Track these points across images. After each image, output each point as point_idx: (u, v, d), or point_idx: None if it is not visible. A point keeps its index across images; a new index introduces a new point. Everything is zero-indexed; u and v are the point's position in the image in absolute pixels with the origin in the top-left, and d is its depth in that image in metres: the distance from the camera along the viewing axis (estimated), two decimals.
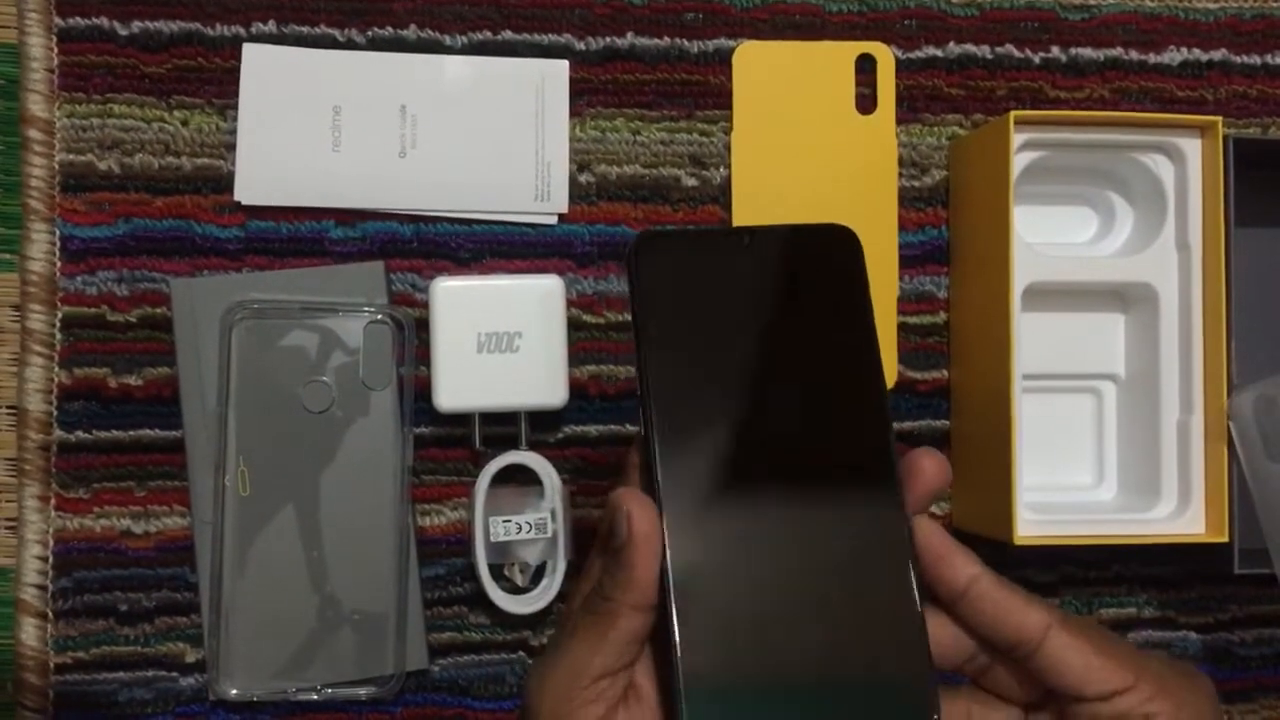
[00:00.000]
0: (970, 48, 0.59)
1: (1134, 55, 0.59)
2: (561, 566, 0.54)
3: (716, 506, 0.35)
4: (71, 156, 0.56)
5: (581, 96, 0.57)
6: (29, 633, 0.55)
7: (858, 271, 0.37)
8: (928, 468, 0.35)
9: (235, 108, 0.56)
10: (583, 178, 0.57)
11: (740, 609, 0.35)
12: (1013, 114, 0.52)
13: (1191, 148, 0.54)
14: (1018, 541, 0.51)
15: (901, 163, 0.58)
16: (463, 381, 0.53)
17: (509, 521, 0.54)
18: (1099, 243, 0.58)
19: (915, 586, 0.35)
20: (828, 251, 0.37)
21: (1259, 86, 0.60)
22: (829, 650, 0.35)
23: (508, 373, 0.53)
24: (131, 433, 0.56)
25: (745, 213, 0.57)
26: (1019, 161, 0.54)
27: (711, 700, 0.35)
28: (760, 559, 0.35)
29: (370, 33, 0.57)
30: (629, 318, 0.57)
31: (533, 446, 0.55)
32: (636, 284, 0.36)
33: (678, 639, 0.34)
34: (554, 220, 0.57)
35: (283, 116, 0.56)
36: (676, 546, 0.35)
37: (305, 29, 0.57)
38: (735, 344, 0.36)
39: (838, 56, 0.58)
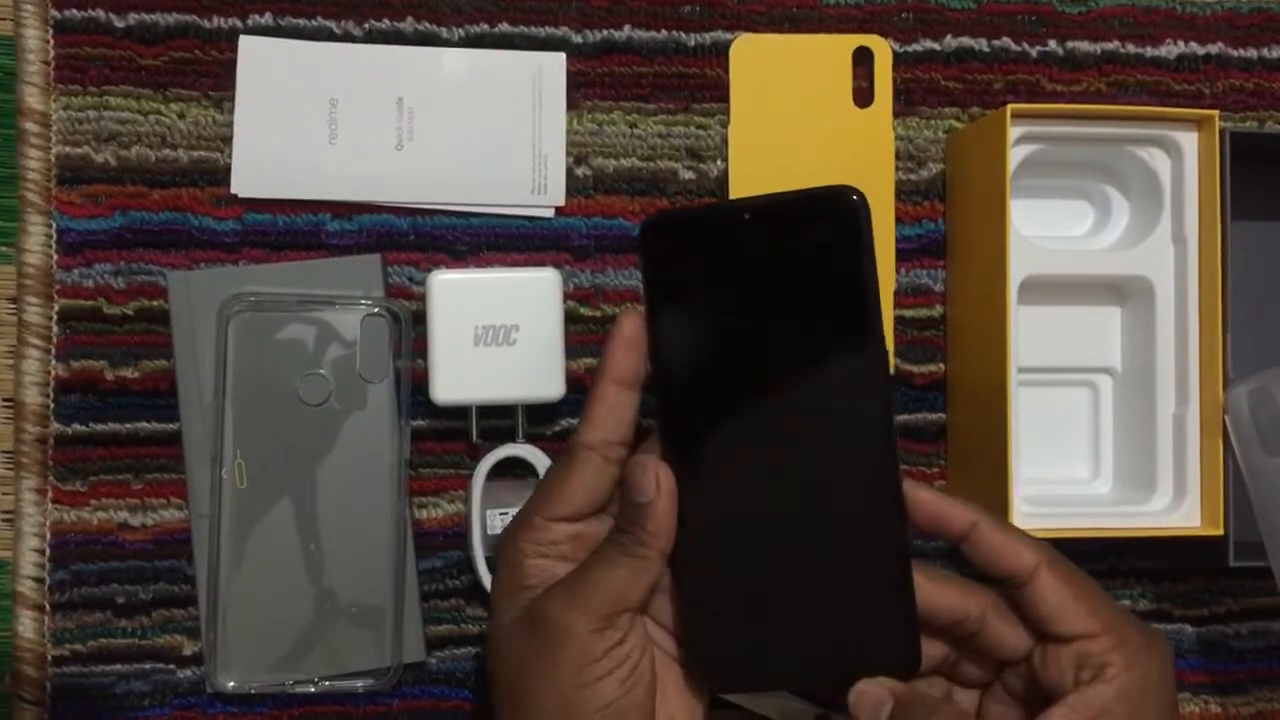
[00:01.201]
0: (967, 41, 0.59)
1: (1131, 49, 0.59)
2: None
3: (722, 468, 0.38)
4: (68, 149, 0.56)
5: (579, 89, 0.57)
6: (26, 625, 0.55)
7: (860, 234, 0.36)
8: None
9: (232, 100, 0.56)
10: (580, 171, 0.57)
11: (740, 556, 0.38)
12: (1009, 107, 0.52)
13: (1188, 141, 0.54)
14: None
15: (898, 156, 0.58)
16: (460, 374, 0.53)
17: (506, 514, 0.54)
18: (1095, 236, 0.59)
19: (906, 550, 0.37)
20: (829, 217, 0.37)
21: (1256, 80, 0.60)
22: (825, 600, 0.38)
23: (505, 366, 0.53)
24: (128, 425, 0.56)
25: None
26: (1016, 155, 0.54)
27: (713, 637, 0.39)
28: (761, 518, 0.38)
29: (367, 25, 0.57)
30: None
31: (530, 439, 0.55)
32: (645, 264, 0.38)
33: (685, 582, 0.38)
34: (551, 213, 0.57)
35: (279, 109, 0.56)
36: (685, 502, 0.38)
37: (302, 21, 0.56)
38: (737, 317, 0.37)
39: (835, 50, 0.58)
